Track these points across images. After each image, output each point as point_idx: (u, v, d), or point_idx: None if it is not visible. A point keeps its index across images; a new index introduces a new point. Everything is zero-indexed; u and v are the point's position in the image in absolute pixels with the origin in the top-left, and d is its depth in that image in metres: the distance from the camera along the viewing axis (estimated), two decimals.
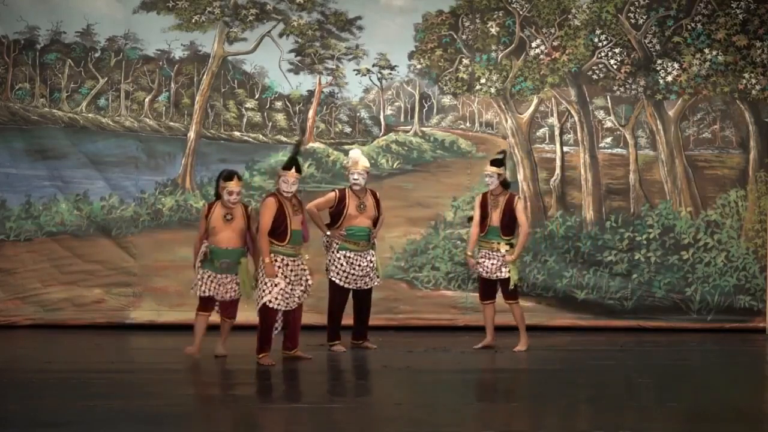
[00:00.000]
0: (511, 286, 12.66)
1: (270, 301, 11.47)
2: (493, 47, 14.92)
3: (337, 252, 12.64)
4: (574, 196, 14.93)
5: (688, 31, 14.87)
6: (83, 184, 14.74)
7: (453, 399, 10.13)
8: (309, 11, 14.88)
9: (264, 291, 11.44)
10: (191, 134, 14.83)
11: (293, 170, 11.63)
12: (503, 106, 14.95)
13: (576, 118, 14.96)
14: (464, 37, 14.92)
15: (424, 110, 15.01)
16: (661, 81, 14.88)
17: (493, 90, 14.91)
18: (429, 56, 14.93)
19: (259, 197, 14.36)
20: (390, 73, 14.97)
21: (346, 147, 14.48)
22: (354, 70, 14.94)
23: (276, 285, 11.47)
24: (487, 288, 12.80)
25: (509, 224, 12.66)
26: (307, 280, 11.68)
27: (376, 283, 12.88)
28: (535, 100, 14.97)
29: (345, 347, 12.70)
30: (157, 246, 14.63)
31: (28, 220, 14.64)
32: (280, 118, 14.96)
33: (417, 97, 14.98)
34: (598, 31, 14.89)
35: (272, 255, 11.46)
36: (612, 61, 14.89)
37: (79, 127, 14.84)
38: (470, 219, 13.04)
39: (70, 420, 8.79)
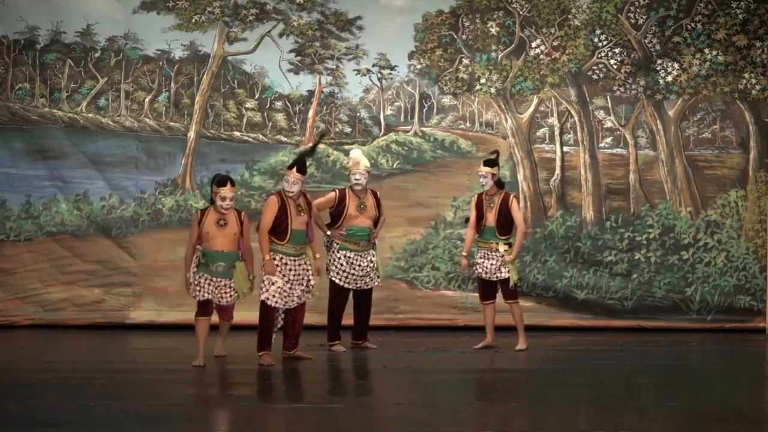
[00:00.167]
0: (511, 286, 12.67)
1: (268, 299, 11.50)
2: (493, 47, 14.92)
3: (338, 252, 12.65)
4: (574, 196, 14.93)
5: (688, 31, 14.87)
6: (83, 184, 14.73)
7: (453, 399, 10.13)
8: (309, 11, 14.88)
9: (262, 289, 11.49)
10: (191, 134, 14.83)
11: (294, 170, 11.64)
12: (503, 106, 14.95)
13: (576, 118, 14.96)
14: (464, 37, 14.92)
15: (424, 110, 15.01)
16: (661, 81, 14.88)
17: (493, 90, 14.91)
18: (429, 56, 14.93)
19: (259, 197, 14.37)
20: (390, 73, 14.97)
21: (346, 147, 14.48)
22: (354, 70, 14.94)
23: (273, 283, 11.49)
24: (487, 288, 12.81)
25: (505, 224, 12.66)
26: (308, 280, 11.68)
27: (376, 283, 12.88)
28: (535, 100, 14.97)
29: (345, 347, 12.70)
30: (157, 246, 14.63)
31: (28, 220, 14.63)
32: (280, 118, 14.96)
33: (417, 97, 14.98)
34: (598, 31, 14.89)
35: (271, 253, 11.49)
36: (612, 61, 14.89)
37: (79, 127, 14.84)
38: (467, 220, 13.05)
39: (70, 420, 8.79)
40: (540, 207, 14.83)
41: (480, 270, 12.77)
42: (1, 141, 14.73)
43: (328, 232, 12.67)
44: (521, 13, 14.87)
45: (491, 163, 12.78)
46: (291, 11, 14.88)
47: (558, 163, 14.95)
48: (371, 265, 12.72)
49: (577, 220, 14.86)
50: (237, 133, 14.93)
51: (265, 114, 14.95)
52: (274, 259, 11.52)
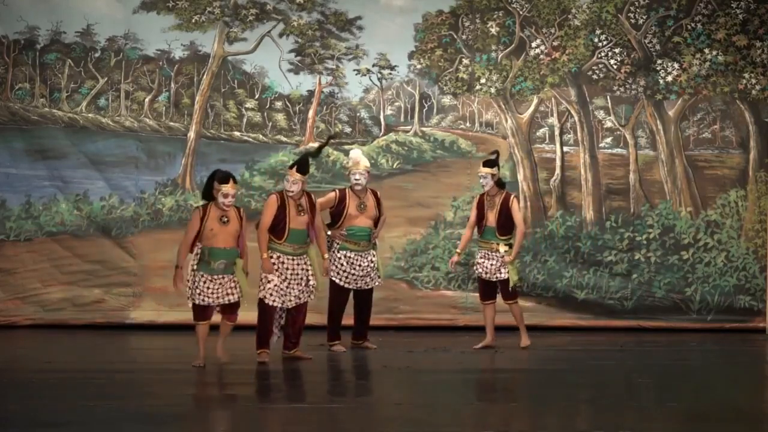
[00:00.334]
0: (510, 287, 12.67)
1: (264, 297, 11.52)
2: (493, 47, 14.92)
3: (338, 252, 12.65)
4: (574, 196, 14.93)
5: (688, 31, 14.87)
6: (83, 184, 14.74)
7: (453, 399, 10.13)
8: (309, 11, 14.88)
9: (260, 287, 11.50)
10: (191, 134, 14.83)
11: (294, 169, 11.65)
12: (503, 106, 14.95)
13: (576, 118, 14.96)
14: (464, 37, 14.92)
15: (424, 110, 15.01)
16: (661, 81, 14.88)
17: (493, 90, 14.91)
18: (429, 56, 14.93)
19: (260, 197, 14.38)
20: (390, 73, 14.97)
21: (346, 147, 14.48)
22: (354, 70, 14.94)
23: (270, 281, 11.50)
24: (487, 288, 12.82)
25: (505, 224, 12.67)
26: (308, 280, 11.68)
27: (377, 284, 12.88)
28: (535, 100, 14.97)
29: (345, 347, 12.70)
30: (157, 246, 14.63)
31: (28, 220, 14.63)
32: (280, 118, 14.96)
33: (417, 97, 14.98)
34: (598, 31, 14.89)
35: (269, 252, 11.51)
36: (612, 61, 14.89)
37: (79, 127, 14.84)
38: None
39: (70, 420, 8.79)
40: (540, 207, 14.83)
41: (480, 270, 12.78)
42: (1, 141, 14.73)
43: (329, 232, 12.66)
44: (521, 13, 14.87)
45: (491, 163, 12.79)
46: (291, 11, 14.88)
47: (558, 163, 14.95)
48: (372, 265, 12.72)
49: (577, 220, 14.87)
50: (237, 133, 14.93)
51: (265, 114, 14.95)
52: (272, 257, 11.54)
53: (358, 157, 12.78)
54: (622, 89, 14.94)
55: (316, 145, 13.26)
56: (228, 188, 11.23)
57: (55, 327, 14.31)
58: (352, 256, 12.64)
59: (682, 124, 14.96)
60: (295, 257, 11.63)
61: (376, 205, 12.79)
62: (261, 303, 11.58)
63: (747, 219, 14.84)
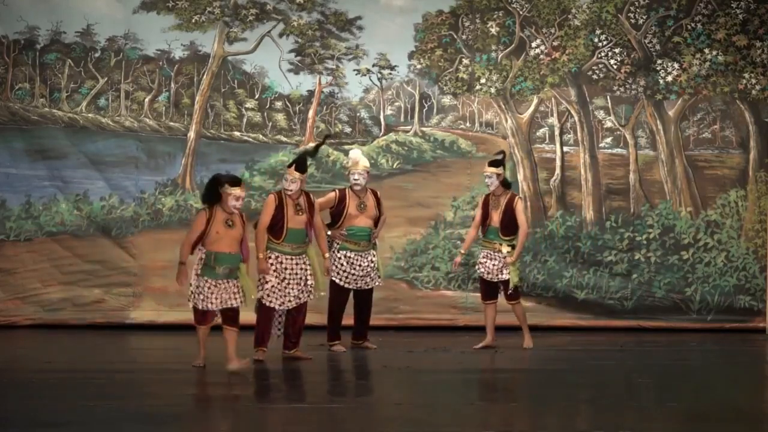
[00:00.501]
0: (511, 288, 12.68)
1: (262, 298, 11.52)
2: (493, 47, 14.92)
3: (338, 252, 12.64)
4: (574, 196, 14.94)
5: (688, 31, 14.87)
6: (83, 184, 14.74)
7: (453, 399, 10.13)
8: (309, 11, 14.88)
9: (258, 287, 11.50)
10: (191, 134, 14.84)
11: (293, 168, 11.66)
12: (503, 106, 14.95)
13: (576, 118, 14.96)
14: (464, 37, 14.92)
15: (424, 110, 15.01)
16: (661, 81, 14.88)
17: (493, 90, 14.91)
18: (429, 56, 14.93)
19: (260, 197, 14.37)
20: (390, 73, 14.97)
21: (346, 147, 14.48)
22: (354, 70, 14.94)
23: (267, 282, 11.50)
24: (489, 288, 12.82)
25: (509, 224, 12.67)
26: (307, 280, 11.68)
27: (377, 284, 12.88)
28: (535, 100, 14.97)
29: (345, 347, 12.70)
30: (157, 246, 14.63)
31: (28, 220, 14.63)
32: (280, 118, 14.96)
33: (417, 97, 14.98)
34: (598, 31, 14.89)
35: (267, 252, 11.51)
36: (612, 61, 14.89)
37: (79, 127, 14.84)
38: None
39: (70, 420, 8.79)
40: (540, 207, 14.83)
41: (482, 270, 12.78)
42: (1, 141, 14.73)
43: (329, 232, 12.66)
44: (521, 13, 14.87)
45: (496, 163, 12.79)
46: (291, 11, 14.89)
47: (558, 163, 14.96)
48: (372, 265, 12.72)
49: (577, 220, 14.87)
50: (237, 133, 14.93)
51: (265, 114, 14.95)
52: (269, 257, 11.54)
53: (357, 157, 12.79)
54: (622, 89, 14.94)
55: (313, 144, 13.24)
56: (239, 191, 11.00)
57: (55, 327, 14.31)
58: (352, 256, 12.64)
59: (682, 124, 14.97)
60: (293, 257, 11.64)
61: (376, 205, 12.79)
62: (259, 303, 11.59)
63: (747, 219, 14.85)
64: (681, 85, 14.87)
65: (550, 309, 14.68)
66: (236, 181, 11.09)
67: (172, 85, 14.90)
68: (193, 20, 14.82)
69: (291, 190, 11.64)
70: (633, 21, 14.89)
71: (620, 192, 14.92)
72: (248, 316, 11.90)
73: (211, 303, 11.06)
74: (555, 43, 14.87)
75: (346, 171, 13.10)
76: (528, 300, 14.29)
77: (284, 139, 14.91)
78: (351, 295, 12.80)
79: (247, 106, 14.94)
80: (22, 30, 14.78)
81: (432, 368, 11.72)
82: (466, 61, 14.92)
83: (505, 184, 12.80)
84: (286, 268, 11.61)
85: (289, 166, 11.77)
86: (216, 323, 11.61)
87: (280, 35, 14.91)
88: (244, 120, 14.94)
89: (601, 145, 14.98)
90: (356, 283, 12.70)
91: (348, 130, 15.03)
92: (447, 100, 15.02)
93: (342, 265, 12.62)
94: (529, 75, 14.91)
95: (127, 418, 8.87)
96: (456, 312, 14.67)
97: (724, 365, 12.27)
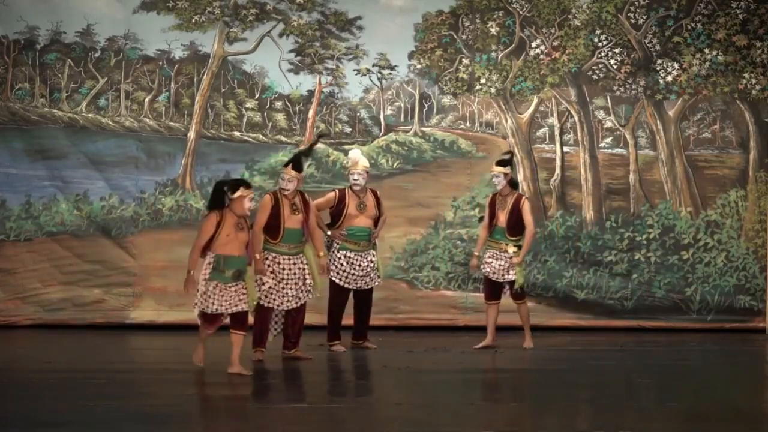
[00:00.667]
0: (517, 288, 12.68)
1: (260, 299, 11.50)
2: (493, 47, 14.92)
3: (338, 252, 12.64)
4: (574, 196, 14.94)
5: (688, 31, 14.87)
6: (83, 184, 14.73)
7: (453, 399, 10.13)
8: (309, 11, 14.88)
9: (255, 288, 11.46)
10: (191, 134, 14.83)
11: (290, 167, 11.67)
12: (503, 106, 14.95)
13: (576, 118, 14.96)
14: (464, 37, 14.92)
15: (424, 110, 15.01)
16: (661, 81, 14.88)
17: (493, 90, 14.91)
18: (429, 56, 14.93)
19: (259, 197, 14.35)
20: (390, 73, 14.97)
21: (346, 147, 14.48)
22: (354, 70, 14.94)
23: (264, 283, 11.49)
24: (493, 288, 12.81)
25: (516, 225, 12.67)
26: (304, 279, 11.68)
27: (377, 284, 12.88)
28: (535, 100, 14.97)
29: (345, 347, 12.70)
30: (157, 246, 14.63)
31: (28, 220, 14.63)
32: (280, 118, 14.96)
33: (417, 97, 14.98)
34: (598, 31, 14.89)
35: (264, 252, 11.49)
36: (612, 61, 14.89)
37: (79, 127, 14.84)
38: (482, 219, 13.11)
39: (70, 420, 8.79)
40: (540, 207, 14.83)
41: (488, 269, 12.77)
42: (1, 141, 14.73)
43: (329, 232, 12.67)
44: (521, 13, 14.87)
45: (504, 163, 12.79)
46: (291, 11, 14.89)
47: (558, 163, 14.96)
48: (371, 265, 12.72)
49: (577, 220, 14.87)
50: (237, 133, 14.93)
51: (265, 114, 14.95)
52: (267, 258, 11.53)
53: (357, 157, 12.79)
54: (622, 89, 14.94)
55: (307, 145, 13.22)
56: (251, 193, 10.92)
57: (55, 327, 14.31)
58: (352, 256, 12.64)
59: (682, 124, 14.97)
60: (290, 257, 11.63)
61: (375, 205, 12.79)
62: (257, 304, 11.55)
63: (747, 219, 14.85)
64: (681, 85, 14.87)
65: (550, 309, 14.68)
66: (248, 184, 11.01)
67: (172, 85, 14.90)
68: (193, 20, 14.82)
69: (288, 190, 11.65)
70: (633, 21, 14.89)
71: (620, 192, 14.92)
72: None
73: (221, 306, 10.87)
74: (555, 43, 14.87)
75: (345, 171, 13.10)
76: (528, 300, 14.25)
77: (284, 139, 14.91)
78: (351, 295, 12.80)
79: (247, 106, 14.94)
80: (22, 30, 14.78)
81: (432, 368, 11.72)
82: (466, 61, 14.92)
83: (513, 184, 12.80)
84: (284, 269, 11.60)
85: (286, 165, 11.78)
86: (224, 324, 11.55)
87: (280, 35, 14.91)
88: (244, 120, 14.94)
89: (601, 145, 14.98)
90: (356, 283, 12.70)
91: (348, 130, 15.03)
92: (447, 100, 15.01)
93: (342, 265, 12.62)
94: (529, 75, 14.91)
95: (127, 418, 8.87)
96: (456, 312, 14.67)
97: (724, 365, 12.27)
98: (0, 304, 14.47)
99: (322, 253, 11.98)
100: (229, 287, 10.88)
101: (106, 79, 14.87)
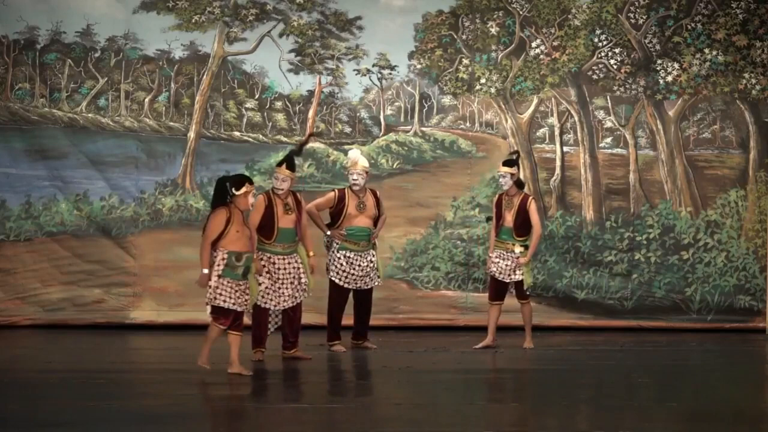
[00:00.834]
0: (526, 288, 12.69)
1: (257, 299, 11.49)
2: (493, 47, 14.92)
3: (337, 252, 12.64)
4: (574, 196, 14.94)
5: (688, 31, 14.87)
6: (83, 184, 14.73)
7: (453, 399, 10.13)
8: (309, 11, 14.88)
9: None
10: (191, 134, 14.83)
11: (283, 167, 11.67)
12: (503, 106, 14.95)
13: (576, 118, 14.96)
14: (464, 37, 14.92)
15: (424, 110, 15.01)
16: (661, 81, 14.88)
17: (493, 90, 14.91)
18: (429, 56, 14.93)
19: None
20: (390, 73, 14.98)
21: (346, 147, 14.47)
22: (354, 70, 14.94)
23: (260, 284, 11.48)
24: (498, 289, 12.79)
25: (522, 225, 12.65)
26: (300, 278, 11.67)
27: (376, 283, 12.88)
28: (535, 100, 14.97)
29: (345, 347, 12.70)
30: (157, 246, 14.63)
31: (28, 220, 14.63)
32: (280, 118, 14.96)
33: (417, 97, 14.98)
34: (598, 31, 14.89)
35: (259, 253, 11.47)
36: (612, 61, 14.89)
37: (79, 127, 14.84)
38: (489, 219, 13.10)
39: (70, 420, 8.79)
40: (540, 207, 14.82)
41: (494, 269, 12.76)
42: (1, 141, 14.73)
43: (328, 232, 12.67)
44: (521, 13, 14.87)
45: (510, 163, 12.79)
46: (291, 11, 14.89)
47: (558, 163, 14.96)
48: (371, 265, 12.71)
49: (577, 220, 14.87)
50: (237, 133, 14.93)
51: (265, 114, 14.95)
52: (262, 259, 11.53)
53: (356, 157, 12.79)
54: (622, 89, 14.94)
55: (297, 144, 13.16)
56: (254, 189, 10.86)
57: (55, 327, 14.31)
58: (352, 256, 12.63)
59: (682, 124, 14.97)
60: (285, 257, 11.64)
61: (375, 205, 12.79)
62: (254, 305, 11.54)
63: (747, 219, 14.85)
64: (681, 85, 14.87)
65: (550, 309, 14.68)
66: (251, 180, 10.95)
67: (172, 85, 14.90)
68: (193, 20, 14.82)
69: (282, 189, 11.65)
70: (633, 21, 14.89)
71: (620, 192, 14.92)
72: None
73: (235, 302, 10.76)
74: (555, 43, 14.87)
75: (345, 171, 13.10)
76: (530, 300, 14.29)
77: (284, 139, 14.91)
78: (351, 295, 12.80)
79: (247, 106, 14.94)
80: (22, 30, 14.78)
81: (432, 368, 11.72)
82: (466, 61, 14.92)
83: (519, 185, 12.79)
84: (279, 269, 11.60)
85: (279, 165, 11.76)
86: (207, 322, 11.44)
87: (280, 35, 14.91)
88: (244, 120, 14.94)
89: (601, 145, 14.98)
90: (356, 283, 12.70)
91: (348, 130, 15.03)
92: (447, 100, 15.01)
93: (341, 265, 12.62)
94: (529, 75, 14.91)
95: (127, 418, 8.87)
96: (456, 312, 14.67)
97: (724, 365, 12.27)
98: (0, 304, 14.47)
99: (312, 253, 11.94)
100: (240, 284, 10.81)
101: (106, 79, 14.88)
